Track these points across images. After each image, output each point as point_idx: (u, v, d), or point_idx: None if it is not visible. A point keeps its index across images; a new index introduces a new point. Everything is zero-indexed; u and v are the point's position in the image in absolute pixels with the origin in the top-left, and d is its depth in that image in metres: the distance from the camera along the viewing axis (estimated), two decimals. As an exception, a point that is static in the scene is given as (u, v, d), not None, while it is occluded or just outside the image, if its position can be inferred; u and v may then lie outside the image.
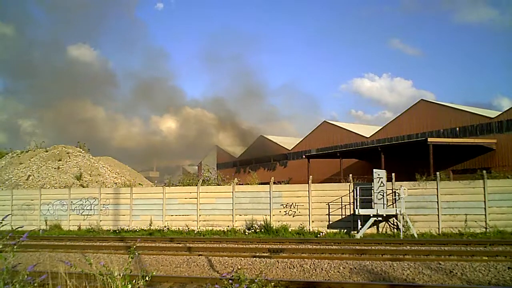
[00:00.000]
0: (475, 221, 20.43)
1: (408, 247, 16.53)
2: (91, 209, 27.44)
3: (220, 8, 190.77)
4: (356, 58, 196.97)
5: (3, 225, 5.67)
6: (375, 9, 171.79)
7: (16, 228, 6.55)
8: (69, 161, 41.93)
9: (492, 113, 39.87)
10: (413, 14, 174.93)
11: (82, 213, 27.58)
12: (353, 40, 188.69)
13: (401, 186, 20.94)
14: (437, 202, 21.11)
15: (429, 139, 32.01)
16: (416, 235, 20.03)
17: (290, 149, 60.77)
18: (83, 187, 34.56)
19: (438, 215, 20.99)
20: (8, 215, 6.70)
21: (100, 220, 26.84)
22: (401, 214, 20.35)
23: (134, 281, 5.35)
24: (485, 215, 20.44)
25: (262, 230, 22.84)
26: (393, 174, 21.87)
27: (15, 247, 5.58)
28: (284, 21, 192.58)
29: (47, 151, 43.69)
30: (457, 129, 39.73)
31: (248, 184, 27.23)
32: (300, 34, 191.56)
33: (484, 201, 20.59)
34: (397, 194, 21.05)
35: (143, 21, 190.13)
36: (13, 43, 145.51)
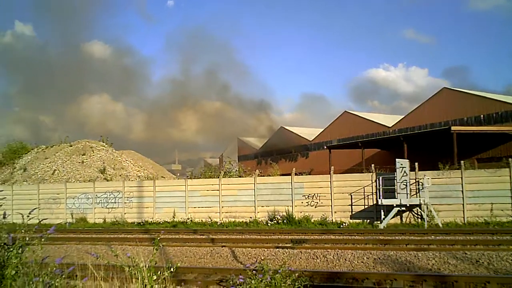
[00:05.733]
0: (502, 210, 20.07)
1: (432, 236, 16.37)
2: (115, 202, 27.85)
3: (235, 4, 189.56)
4: (371, 49, 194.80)
5: (30, 219, 5.79)
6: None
7: (42, 220, 6.68)
8: (93, 155, 42.54)
9: (518, 100, 38.95)
10: (425, 2, 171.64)
11: (107, 206, 28.02)
12: (367, 30, 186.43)
13: (424, 175, 20.68)
14: (462, 191, 20.79)
15: (453, 128, 31.40)
16: (440, 225, 19.80)
17: (311, 140, 60.43)
18: (107, 180, 35.03)
19: (463, 204, 20.69)
20: (35, 208, 6.84)
21: (125, 213, 27.23)
22: (425, 204, 20.11)
23: (159, 272, 5.41)
24: (512, 203, 20.07)
25: (285, 221, 22.86)
26: (416, 164, 21.60)
27: (42, 240, 5.70)
28: (297, 12, 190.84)
29: (71, 146, 44.39)
30: (482, 116, 38.89)
31: (269, 175, 27.22)
32: (312, 26, 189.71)
33: (511, 190, 20.21)
34: (420, 183, 20.81)
35: (155, 17, 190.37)
36: (32, 41, 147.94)
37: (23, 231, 5.74)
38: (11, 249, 5.47)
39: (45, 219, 7.62)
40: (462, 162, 21.61)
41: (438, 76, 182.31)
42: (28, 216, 5.80)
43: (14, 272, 5.32)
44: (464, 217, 20.54)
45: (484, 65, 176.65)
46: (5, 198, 5.97)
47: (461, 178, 20.93)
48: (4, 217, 5.89)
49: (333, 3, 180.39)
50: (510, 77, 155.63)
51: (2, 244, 5.54)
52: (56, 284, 5.16)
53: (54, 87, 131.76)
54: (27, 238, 5.63)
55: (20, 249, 5.53)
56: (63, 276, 5.34)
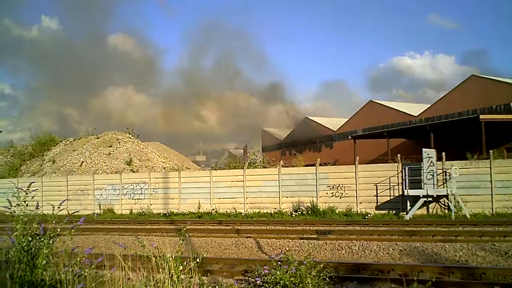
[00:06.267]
0: (532, 201, 19.60)
1: (460, 228, 16.13)
2: (141, 193, 28.26)
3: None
4: (395, 36, 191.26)
5: (60, 210, 5.94)
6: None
7: (73, 213, 6.84)
8: (119, 147, 43.18)
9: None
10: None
11: (133, 197, 28.46)
12: (391, 18, 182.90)
13: (452, 165, 20.33)
14: (491, 181, 20.36)
15: (481, 116, 30.70)
16: (468, 216, 19.47)
17: (335, 130, 60.05)
18: (133, 172, 35.56)
19: (491, 194, 20.27)
20: (65, 200, 6.98)
21: (151, 204, 27.63)
22: (452, 194, 19.79)
23: (185, 262, 5.48)
24: (543, 194, 19.59)
25: (309, 212, 22.83)
26: (443, 154, 21.25)
27: (72, 230, 5.84)
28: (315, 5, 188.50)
29: (98, 138, 45.14)
30: (511, 104, 37.97)
31: (293, 166, 27.18)
32: (334, 17, 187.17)
33: (541, 180, 19.71)
34: (447, 173, 20.48)
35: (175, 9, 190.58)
36: (58, 35, 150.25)
37: (53, 222, 5.89)
38: (42, 239, 5.63)
39: (76, 211, 7.81)
40: (490, 151, 21.15)
41: (464, 63, 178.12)
42: (58, 207, 5.94)
43: (45, 262, 5.48)
44: (492, 208, 20.14)
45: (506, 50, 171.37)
46: (37, 189, 6.10)
47: (490, 168, 20.49)
48: (36, 208, 6.05)
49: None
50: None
51: (34, 234, 5.70)
52: (85, 274, 5.30)
53: (80, 80, 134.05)
54: (58, 229, 5.78)
55: (51, 240, 5.68)
56: (92, 266, 5.47)
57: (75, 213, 7.01)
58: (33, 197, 5.97)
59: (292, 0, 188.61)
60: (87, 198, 29.66)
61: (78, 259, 5.32)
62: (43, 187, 29.21)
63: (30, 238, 5.61)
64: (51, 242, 5.66)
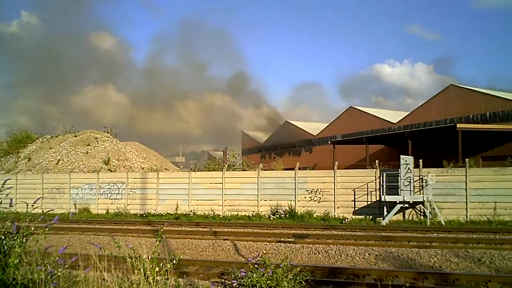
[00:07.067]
0: (505, 209, 19.97)
1: (435, 234, 16.36)
2: (118, 193, 27.95)
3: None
4: (376, 45, 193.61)
5: (34, 208, 5.82)
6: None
7: (47, 211, 6.71)
8: (97, 146, 42.65)
9: (525, 99, 38.71)
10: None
11: (110, 197, 28.13)
12: (372, 27, 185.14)
13: (428, 172, 20.64)
14: (466, 189, 20.71)
15: (458, 125, 31.26)
16: (443, 222, 19.76)
17: (315, 134, 60.41)
18: (111, 171, 35.16)
19: (466, 202, 20.61)
20: (39, 198, 6.86)
21: (128, 204, 27.33)
22: (428, 201, 20.07)
23: (161, 264, 5.43)
24: (516, 203, 20.00)
25: (287, 215, 22.89)
26: (420, 161, 21.55)
27: (46, 229, 5.73)
28: (301, 8, 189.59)
29: (76, 136, 44.50)
30: (488, 114, 38.74)
31: (273, 169, 27.23)
32: (318, 22, 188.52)
33: (515, 189, 20.13)
34: (424, 180, 20.77)
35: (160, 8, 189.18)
36: (37, 31, 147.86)
37: (27, 220, 5.78)
38: (15, 238, 5.51)
39: (51, 210, 7.66)
40: (466, 160, 21.53)
41: (436, 70, 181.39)
42: (32, 205, 5.82)
43: (17, 261, 5.36)
44: (467, 215, 20.48)
45: (494, 63, 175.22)
46: (11, 187, 5.97)
47: (465, 176, 20.84)
48: (10, 205, 5.91)
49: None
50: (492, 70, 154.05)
51: (7, 232, 5.57)
52: (59, 274, 5.20)
53: (58, 77, 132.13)
54: (32, 228, 5.66)
55: (24, 238, 5.57)
56: (66, 266, 5.38)
57: (50, 212, 6.88)
58: (7, 194, 5.85)
59: (275, 5, 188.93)
60: (62, 197, 29.20)
61: (52, 259, 5.23)
62: (17, 184, 28.65)
63: (3, 237, 5.49)
64: (24, 241, 5.54)
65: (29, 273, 5.13)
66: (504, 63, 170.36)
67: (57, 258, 5.27)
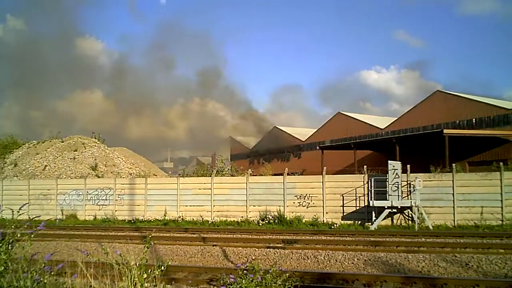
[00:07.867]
0: (492, 214, 20.21)
1: (423, 239, 16.44)
2: (106, 199, 27.70)
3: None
4: (362, 51, 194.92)
5: (20, 214, 5.74)
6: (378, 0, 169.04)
7: (33, 218, 6.62)
8: (85, 151, 42.27)
9: (510, 105, 39.22)
10: (416, 4, 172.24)
11: (98, 203, 27.86)
12: (358, 33, 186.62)
13: (416, 178, 20.78)
14: (453, 194, 20.92)
15: (445, 131, 31.60)
16: (431, 227, 19.90)
17: (304, 140, 60.58)
18: (99, 177, 34.86)
19: (453, 207, 20.81)
20: (25, 204, 6.76)
21: (116, 210, 27.11)
22: (416, 206, 20.21)
23: (150, 270, 5.38)
24: (502, 207, 20.26)
25: (276, 221, 22.86)
26: (408, 166, 21.70)
27: (32, 236, 5.65)
28: (288, 16, 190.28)
29: (63, 142, 44.05)
30: (474, 120, 39.17)
31: (262, 175, 27.22)
32: (303, 28, 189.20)
33: (501, 193, 20.39)
34: (412, 186, 20.90)
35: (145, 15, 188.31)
36: (23, 36, 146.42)
37: (13, 226, 5.69)
38: (0, 245, 5.42)
39: (38, 216, 7.54)
40: (453, 165, 21.75)
41: (428, 78, 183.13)
42: (18, 211, 5.74)
43: (2, 268, 5.27)
44: (454, 220, 20.66)
45: (479, 69, 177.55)
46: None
47: (452, 181, 21.05)
48: (-4, 211, 5.82)
49: (321, 5, 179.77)
50: (506, 82, 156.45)
51: (-9, 239, 5.48)
52: (45, 281, 5.13)
53: (45, 82, 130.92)
54: (18, 235, 5.58)
55: (10, 245, 5.48)
56: (52, 273, 5.31)
57: (36, 218, 6.79)
58: (-8, 200, 5.77)
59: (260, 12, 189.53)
60: (49, 203, 28.85)
61: (38, 266, 5.15)
62: (3, 190, 28.38)
63: (-12, 244, 5.39)
64: (10, 248, 5.45)
65: (15, 280, 5.04)
66: (488, 69, 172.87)
67: (44, 265, 5.20)
